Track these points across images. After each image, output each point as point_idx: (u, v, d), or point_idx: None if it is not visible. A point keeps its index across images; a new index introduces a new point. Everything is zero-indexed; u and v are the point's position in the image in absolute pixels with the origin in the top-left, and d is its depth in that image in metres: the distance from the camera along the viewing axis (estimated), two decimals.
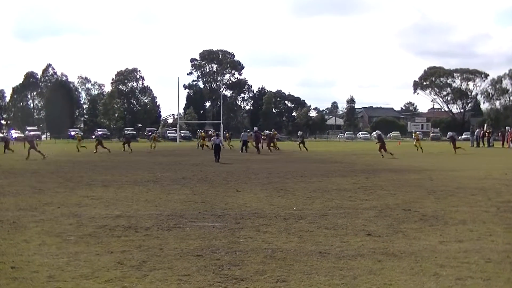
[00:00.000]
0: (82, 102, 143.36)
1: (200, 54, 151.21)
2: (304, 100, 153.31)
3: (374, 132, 44.08)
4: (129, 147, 50.47)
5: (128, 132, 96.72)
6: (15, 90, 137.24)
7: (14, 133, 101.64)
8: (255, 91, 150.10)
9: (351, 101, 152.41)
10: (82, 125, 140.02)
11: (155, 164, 31.79)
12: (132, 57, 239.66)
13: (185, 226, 10.99)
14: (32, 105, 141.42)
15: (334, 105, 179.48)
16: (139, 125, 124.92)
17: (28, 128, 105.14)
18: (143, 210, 13.24)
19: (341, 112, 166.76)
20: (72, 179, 21.74)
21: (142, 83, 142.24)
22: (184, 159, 37.02)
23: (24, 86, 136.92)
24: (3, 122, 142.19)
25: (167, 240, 9.59)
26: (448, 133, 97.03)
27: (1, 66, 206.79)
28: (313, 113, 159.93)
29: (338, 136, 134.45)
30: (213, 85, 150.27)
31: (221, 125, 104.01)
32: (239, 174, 24.28)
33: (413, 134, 68.46)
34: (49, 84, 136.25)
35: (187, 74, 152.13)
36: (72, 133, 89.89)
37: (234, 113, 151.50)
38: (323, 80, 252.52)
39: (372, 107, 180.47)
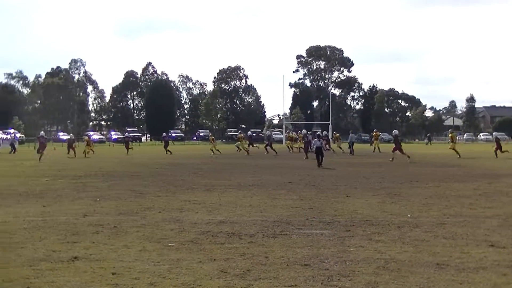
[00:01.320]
0: (183, 102, 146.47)
1: (306, 50, 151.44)
2: (419, 99, 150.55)
3: (393, 132, 42.53)
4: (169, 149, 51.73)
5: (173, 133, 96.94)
6: (115, 89, 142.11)
7: (114, 135, 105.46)
8: (365, 90, 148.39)
9: (471, 99, 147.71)
10: (183, 126, 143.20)
11: (260, 168, 32.10)
12: (235, 54, 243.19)
13: (292, 234, 10.99)
14: (132, 105, 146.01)
15: (452, 104, 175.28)
16: (243, 126, 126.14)
17: (128, 129, 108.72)
18: (247, 216, 13.35)
19: (459, 112, 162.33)
20: (173, 182, 22.28)
21: (246, 82, 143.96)
22: (289, 162, 37.15)
23: (124, 85, 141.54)
24: (103, 123, 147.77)
25: (272, 248, 9.62)
26: None
27: (101, 65, 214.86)
28: (429, 113, 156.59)
29: (457, 137, 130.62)
30: (321, 84, 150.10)
31: (330, 126, 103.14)
32: (349, 179, 24.11)
33: None
34: (149, 83, 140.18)
35: (293, 72, 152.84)
36: (173, 135, 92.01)
37: (344, 113, 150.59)
38: (440, 77, 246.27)
39: (494, 106, 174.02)
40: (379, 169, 30.12)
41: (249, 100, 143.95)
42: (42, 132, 54.09)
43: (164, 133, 57.84)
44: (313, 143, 34.59)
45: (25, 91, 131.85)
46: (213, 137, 56.05)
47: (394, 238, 10.55)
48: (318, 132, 47.51)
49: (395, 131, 42.70)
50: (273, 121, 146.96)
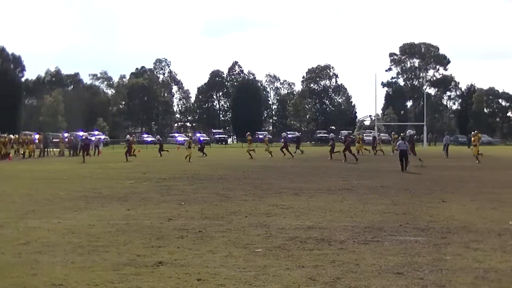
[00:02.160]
0: (270, 102, 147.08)
1: (400, 48, 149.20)
2: None
3: (407, 131, 41.65)
4: (203, 152, 52.14)
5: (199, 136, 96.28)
6: (200, 90, 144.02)
7: (200, 136, 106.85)
8: (463, 89, 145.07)
9: None
10: (270, 128, 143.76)
11: (350, 171, 31.95)
12: (324, 53, 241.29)
13: (384, 240, 10.91)
14: (217, 106, 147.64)
15: None
16: (333, 127, 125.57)
17: (214, 130, 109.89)
18: (337, 221, 13.32)
19: None
20: (260, 186, 22.46)
21: (336, 81, 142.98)
22: (382, 165, 36.78)
23: (210, 85, 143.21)
24: (188, 124, 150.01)
25: (363, 255, 9.56)
26: None
27: (186, 64, 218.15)
28: None
29: None
30: (415, 83, 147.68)
31: (424, 127, 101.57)
32: (445, 183, 23.70)
33: None
34: (235, 83, 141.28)
35: (386, 71, 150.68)
36: (260, 136, 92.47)
37: (439, 113, 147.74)
38: None
39: None
40: (477, 173, 29.47)
41: (339, 100, 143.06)
42: (128, 136, 55.36)
43: (158, 136, 58.32)
44: (398, 145, 33.10)
45: (110, 92, 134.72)
46: (250, 137, 52.52)
47: (494, 246, 10.30)
48: (408, 132, 46.38)
49: (410, 131, 43.59)
50: (364, 122, 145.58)
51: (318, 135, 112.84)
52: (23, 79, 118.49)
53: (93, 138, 62.82)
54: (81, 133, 65.11)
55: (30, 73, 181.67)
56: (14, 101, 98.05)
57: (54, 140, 63.38)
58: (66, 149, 58.39)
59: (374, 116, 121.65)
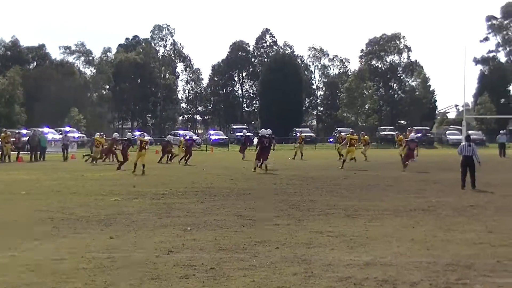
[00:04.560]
0: (314, 86, 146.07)
1: (502, 8, 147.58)
2: None
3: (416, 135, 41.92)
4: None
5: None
6: (216, 69, 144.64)
7: (214, 134, 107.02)
8: None
9: None
10: (313, 122, 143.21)
11: (426, 183, 31.91)
12: (391, 18, 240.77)
13: (475, 283, 10.90)
14: (240, 91, 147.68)
15: None
16: (402, 121, 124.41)
17: (234, 126, 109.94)
18: (407, 256, 13.31)
19: None
20: (299, 204, 22.48)
21: (408, 57, 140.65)
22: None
23: (229, 63, 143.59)
24: (198, 117, 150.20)
25: None
26: None
27: (197, 34, 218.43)
28: None
29: None
30: None
31: None
32: None
33: None
34: (265, 59, 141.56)
35: (480, 42, 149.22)
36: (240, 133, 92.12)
37: None
38: None
39: None
40: None
41: (413, 83, 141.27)
42: (116, 134, 55.95)
43: (140, 133, 58.89)
44: (460, 149, 30.44)
45: (89, 71, 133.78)
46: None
47: None
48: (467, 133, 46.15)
49: (412, 135, 45.46)
50: (447, 114, 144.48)
51: (381, 133, 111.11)
52: None
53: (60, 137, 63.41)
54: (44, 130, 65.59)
55: None
56: None
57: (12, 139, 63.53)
58: (12, 151, 58.31)
59: (463, 106, 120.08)
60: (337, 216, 19.37)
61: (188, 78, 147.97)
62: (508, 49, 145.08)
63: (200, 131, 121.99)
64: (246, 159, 53.32)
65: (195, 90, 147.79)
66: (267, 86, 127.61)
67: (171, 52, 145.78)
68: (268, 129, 43.91)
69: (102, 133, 57.02)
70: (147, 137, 48.60)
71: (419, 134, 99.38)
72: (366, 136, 59.36)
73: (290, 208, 21.27)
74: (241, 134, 57.11)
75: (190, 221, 18.35)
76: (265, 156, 41.29)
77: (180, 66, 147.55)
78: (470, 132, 43.14)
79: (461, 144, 32.10)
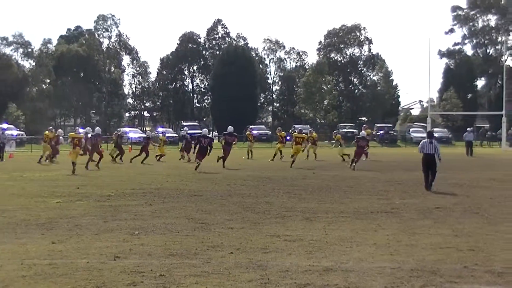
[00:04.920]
0: (270, 81, 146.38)
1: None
2: None
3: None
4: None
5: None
6: (165, 62, 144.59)
7: (162, 132, 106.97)
8: None
9: None
10: (269, 119, 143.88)
11: (389, 183, 32.17)
12: (351, 8, 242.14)
13: None
14: (190, 86, 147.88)
15: None
16: (363, 118, 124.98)
17: (184, 123, 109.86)
18: (369, 261, 13.34)
19: None
20: (254, 207, 22.53)
21: (369, 50, 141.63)
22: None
23: (179, 55, 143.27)
24: (146, 113, 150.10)
25: None
26: None
27: (144, 24, 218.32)
28: None
29: None
30: (490, 51, 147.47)
31: (504, 119, 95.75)
32: None
33: None
34: (217, 52, 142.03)
35: (445, 34, 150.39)
36: (254, 132, 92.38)
37: None
38: None
39: None
40: None
41: (374, 78, 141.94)
42: (60, 130, 55.92)
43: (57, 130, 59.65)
44: (421, 147, 30.42)
45: (28, 64, 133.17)
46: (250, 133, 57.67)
47: None
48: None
49: (363, 132, 47.89)
50: (411, 110, 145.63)
51: (341, 130, 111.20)
52: None
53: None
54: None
55: None
56: None
57: None
58: None
59: (427, 102, 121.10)
60: (294, 219, 19.42)
61: (135, 71, 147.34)
62: (474, 41, 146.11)
63: (148, 129, 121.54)
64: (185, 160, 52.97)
65: (143, 84, 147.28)
66: (219, 81, 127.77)
67: (116, 44, 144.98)
68: (205, 129, 45.39)
69: (51, 127, 56.89)
70: (168, 134, 48.59)
71: (381, 132, 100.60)
72: (314, 133, 59.84)
73: (245, 211, 21.30)
74: (185, 133, 56.73)
75: (138, 224, 18.29)
76: (202, 156, 41.88)
77: (126, 59, 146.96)
78: (435, 129, 43.73)
79: (422, 141, 31.15)
